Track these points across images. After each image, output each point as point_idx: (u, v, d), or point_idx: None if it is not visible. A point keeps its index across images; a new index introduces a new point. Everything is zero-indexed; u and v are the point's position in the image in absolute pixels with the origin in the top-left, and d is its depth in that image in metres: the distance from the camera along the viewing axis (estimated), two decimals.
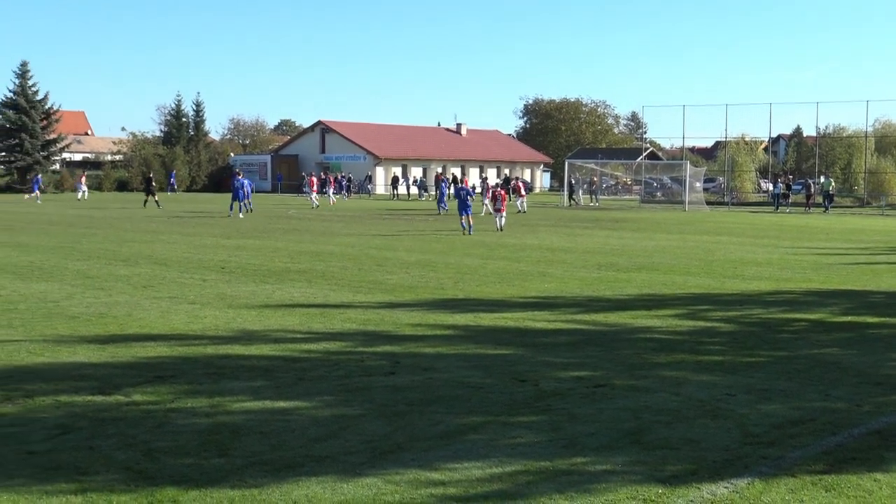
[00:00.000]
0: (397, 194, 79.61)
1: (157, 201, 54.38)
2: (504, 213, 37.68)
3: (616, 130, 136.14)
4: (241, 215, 44.66)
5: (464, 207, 35.56)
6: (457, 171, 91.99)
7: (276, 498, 6.85)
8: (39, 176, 73.31)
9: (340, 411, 9.27)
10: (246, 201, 45.89)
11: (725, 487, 7.14)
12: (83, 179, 71.59)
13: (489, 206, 48.99)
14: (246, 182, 47.70)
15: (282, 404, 9.50)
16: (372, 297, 17.48)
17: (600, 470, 7.53)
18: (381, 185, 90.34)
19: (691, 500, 6.88)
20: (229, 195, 52.67)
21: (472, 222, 35.47)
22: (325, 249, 27.51)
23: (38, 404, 9.44)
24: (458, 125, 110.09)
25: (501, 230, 36.33)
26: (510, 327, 14.31)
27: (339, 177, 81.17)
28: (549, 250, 28.06)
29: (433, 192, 67.21)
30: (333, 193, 62.02)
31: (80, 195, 67.66)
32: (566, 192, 67.65)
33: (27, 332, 13.41)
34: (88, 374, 10.75)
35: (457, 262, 23.94)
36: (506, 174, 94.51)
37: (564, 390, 10.20)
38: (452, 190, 55.33)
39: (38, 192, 66.48)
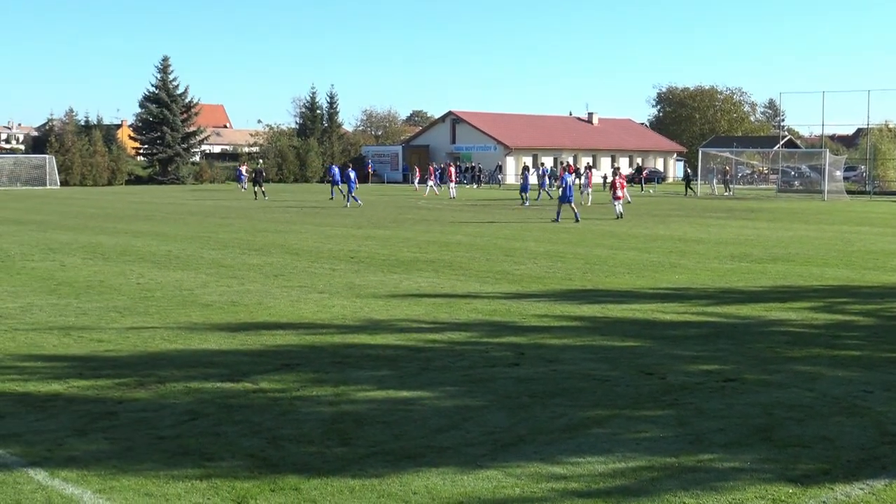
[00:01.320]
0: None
1: (258, 192, 55.25)
2: (622, 201, 38.45)
3: (752, 118, 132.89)
4: (347, 204, 45.45)
5: (567, 196, 36.25)
6: (588, 161, 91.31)
7: (395, 488, 6.83)
8: (242, 167, 75.26)
9: (463, 402, 9.23)
10: (349, 193, 46.36)
11: (861, 489, 6.83)
12: (244, 170, 73.77)
13: (590, 196, 49.26)
14: (335, 169, 50.49)
15: (405, 394, 9.51)
16: (499, 287, 17.42)
17: (728, 467, 7.30)
18: (511, 175, 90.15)
19: (824, 501, 6.61)
20: (362, 185, 53.74)
21: (574, 210, 35.83)
22: (454, 239, 27.57)
23: (170, 390, 9.66)
24: (590, 114, 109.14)
25: (621, 217, 37.04)
26: (638, 319, 14.06)
27: (455, 166, 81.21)
28: (680, 241, 27.53)
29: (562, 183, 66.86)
30: (434, 185, 62.45)
31: (243, 186, 70.37)
32: (704, 182, 66.62)
33: (162, 320, 13.77)
34: (218, 362, 10.97)
35: (586, 253, 23.69)
36: (638, 163, 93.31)
37: (692, 384, 9.95)
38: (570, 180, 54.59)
39: (244, 181, 68.91)
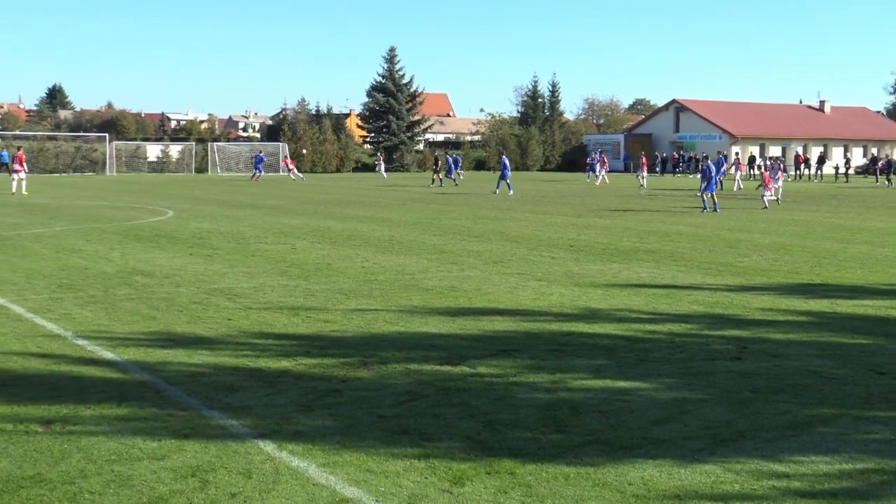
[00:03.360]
0: (753, 174, 76.84)
1: (440, 180, 56.68)
2: (771, 192, 39.12)
3: None
4: (510, 192, 46.74)
5: (709, 185, 35.92)
6: (819, 150, 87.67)
7: (611, 478, 6.79)
8: (506, 158, 76.22)
9: (682, 394, 9.06)
10: (449, 174, 54.70)
11: None
12: (381, 159, 75.71)
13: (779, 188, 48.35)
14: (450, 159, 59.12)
15: (622, 384, 9.42)
16: (721, 279, 16.99)
17: None
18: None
19: None
20: (582, 174, 53.75)
21: (714, 200, 35.73)
22: (675, 230, 27.07)
23: (391, 371, 9.92)
24: (821, 102, 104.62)
25: (766, 207, 37.10)
26: (870, 315, 13.40)
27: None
28: None
29: (793, 173, 64.46)
30: (605, 173, 61.78)
31: (381, 172, 72.61)
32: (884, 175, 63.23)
33: (385, 303, 14.15)
34: (437, 345, 11.18)
35: (814, 246, 22.78)
36: (873, 154, 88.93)
37: None
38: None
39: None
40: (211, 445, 7.42)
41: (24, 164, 44.36)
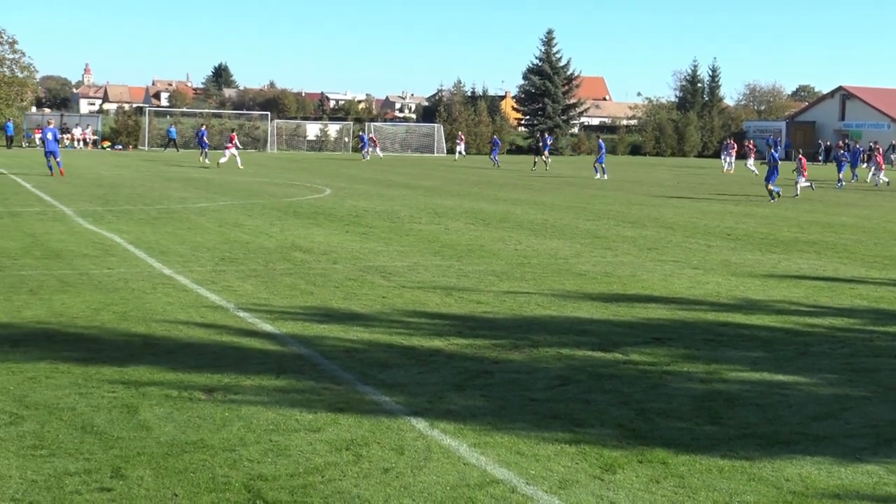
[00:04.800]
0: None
1: (545, 161, 56.40)
2: (805, 179, 37.23)
3: None
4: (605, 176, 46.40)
5: (773, 174, 33.72)
6: None
7: (767, 473, 6.62)
8: (602, 141, 75.30)
9: (843, 391, 8.77)
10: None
11: None
12: (462, 139, 74.62)
13: (877, 175, 47.44)
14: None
15: (780, 377, 9.18)
16: (886, 273, 16.35)
17: None
18: None
19: None
20: (739, 161, 52.47)
21: (773, 189, 33.45)
22: (838, 221, 26.18)
23: (542, 354, 9.90)
24: None
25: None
26: None
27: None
28: None
29: None
30: (731, 161, 59.47)
31: (456, 156, 71.13)
32: None
33: (537, 286, 14.12)
34: (590, 330, 11.10)
35: None
36: None
37: None
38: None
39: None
40: (365, 420, 7.56)
41: (234, 143, 49.63)
